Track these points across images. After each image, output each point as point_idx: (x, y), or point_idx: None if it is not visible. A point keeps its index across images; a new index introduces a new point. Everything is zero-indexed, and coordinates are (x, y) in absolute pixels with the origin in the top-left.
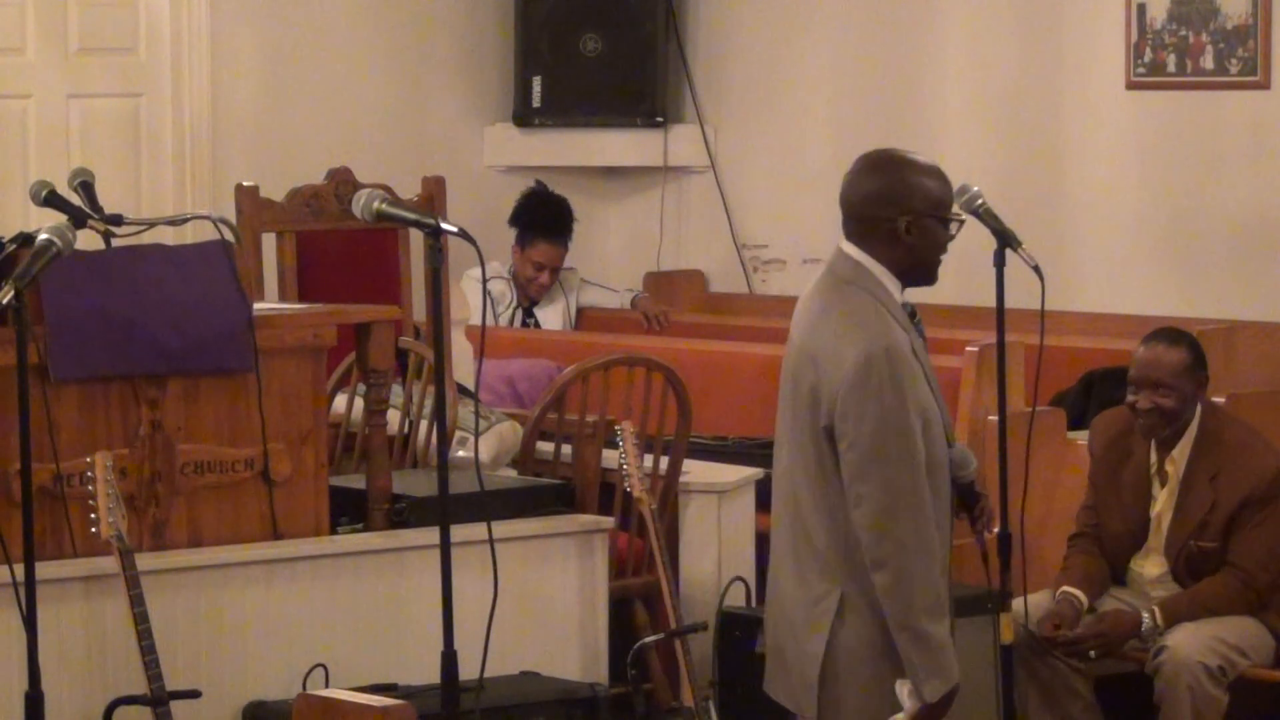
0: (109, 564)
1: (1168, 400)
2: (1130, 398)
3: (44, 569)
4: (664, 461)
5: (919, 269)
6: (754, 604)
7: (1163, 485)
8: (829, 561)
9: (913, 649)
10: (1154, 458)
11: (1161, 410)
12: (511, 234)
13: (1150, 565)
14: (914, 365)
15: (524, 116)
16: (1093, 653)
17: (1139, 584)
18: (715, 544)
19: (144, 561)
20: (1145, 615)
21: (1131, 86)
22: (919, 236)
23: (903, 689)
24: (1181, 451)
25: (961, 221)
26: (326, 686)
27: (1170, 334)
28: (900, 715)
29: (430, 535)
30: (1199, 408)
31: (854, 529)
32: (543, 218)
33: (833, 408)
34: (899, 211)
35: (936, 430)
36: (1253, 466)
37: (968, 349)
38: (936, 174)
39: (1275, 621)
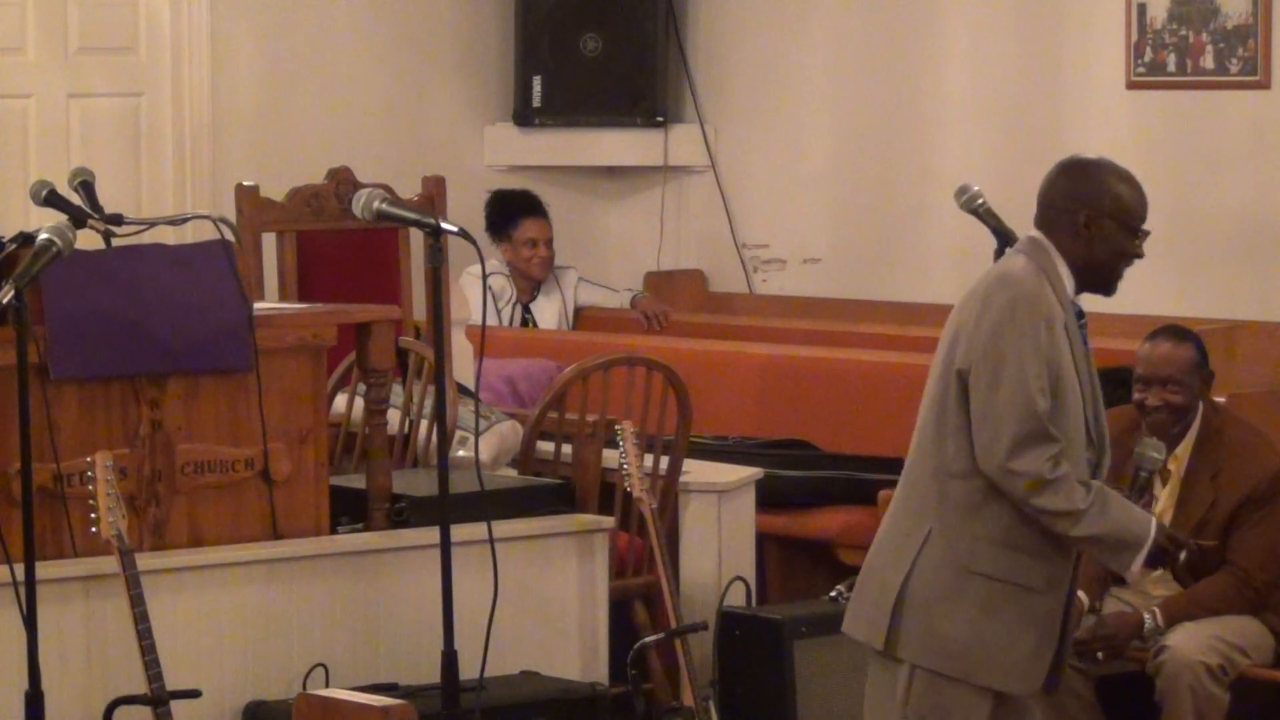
0: (109, 564)
1: (1177, 396)
2: (1138, 395)
3: (44, 569)
4: (664, 461)
5: (1095, 270)
6: (754, 604)
7: (1164, 484)
8: (925, 499)
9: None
10: None
11: (1171, 406)
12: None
13: None
14: (1062, 337)
15: (524, 116)
16: (1100, 654)
17: (1139, 583)
18: (715, 544)
19: (144, 561)
20: (1147, 616)
21: (1131, 86)
22: (1096, 234)
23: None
24: (1184, 450)
25: (1147, 234)
26: (326, 686)
27: (1176, 331)
28: None
29: (430, 535)
30: (1201, 406)
31: (952, 470)
32: (513, 204)
33: (971, 348)
34: (1081, 206)
35: (1075, 413)
36: (1254, 465)
37: None
38: (1131, 183)
39: (1275, 621)
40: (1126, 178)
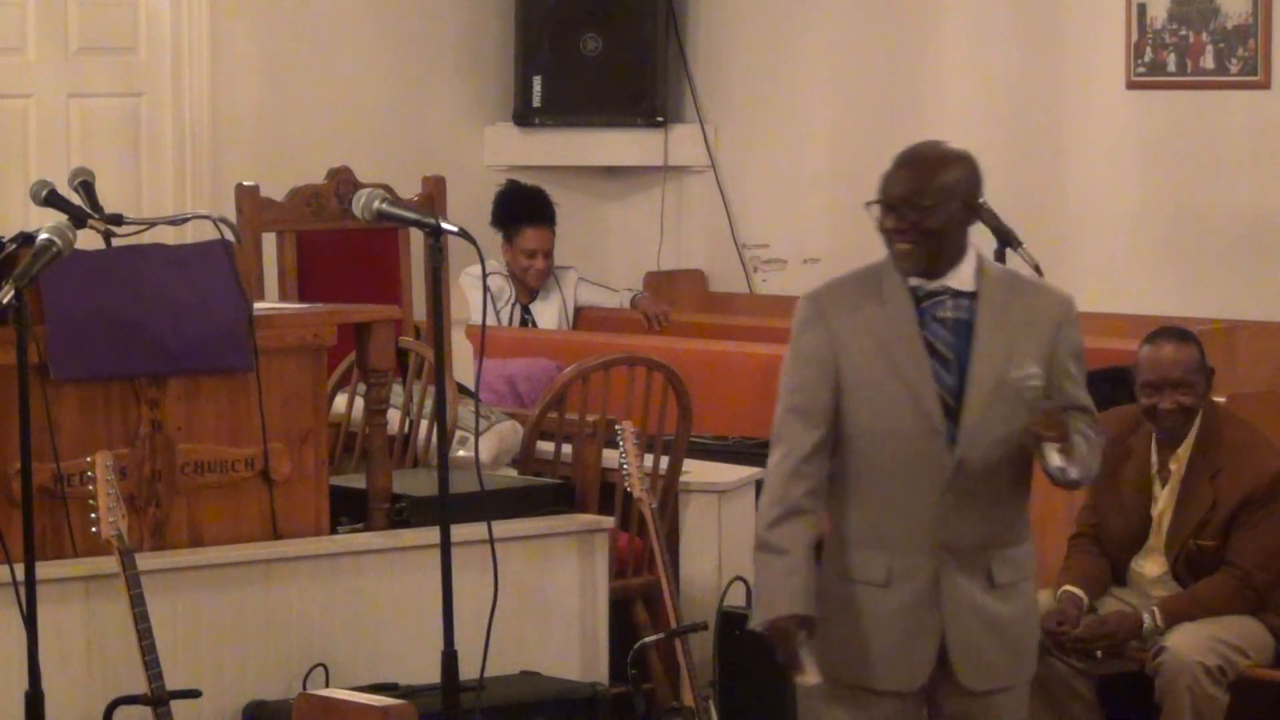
0: (109, 564)
1: (1188, 398)
2: (1148, 401)
3: (44, 569)
4: (664, 461)
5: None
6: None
7: (1164, 485)
8: None
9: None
10: (1155, 457)
11: (1183, 408)
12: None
13: (1150, 564)
14: (819, 333)
15: (524, 116)
16: (1099, 653)
17: (1139, 583)
18: (715, 544)
19: (144, 561)
20: (1146, 616)
21: (1132, 86)
22: (875, 215)
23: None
24: (1184, 450)
25: (890, 210)
26: (326, 686)
27: (1175, 332)
28: None
29: (430, 535)
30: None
31: None
32: (521, 207)
33: None
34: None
35: (871, 395)
36: (1254, 466)
37: None
38: (895, 161)
39: (1275, 621)
40: (896, 157)
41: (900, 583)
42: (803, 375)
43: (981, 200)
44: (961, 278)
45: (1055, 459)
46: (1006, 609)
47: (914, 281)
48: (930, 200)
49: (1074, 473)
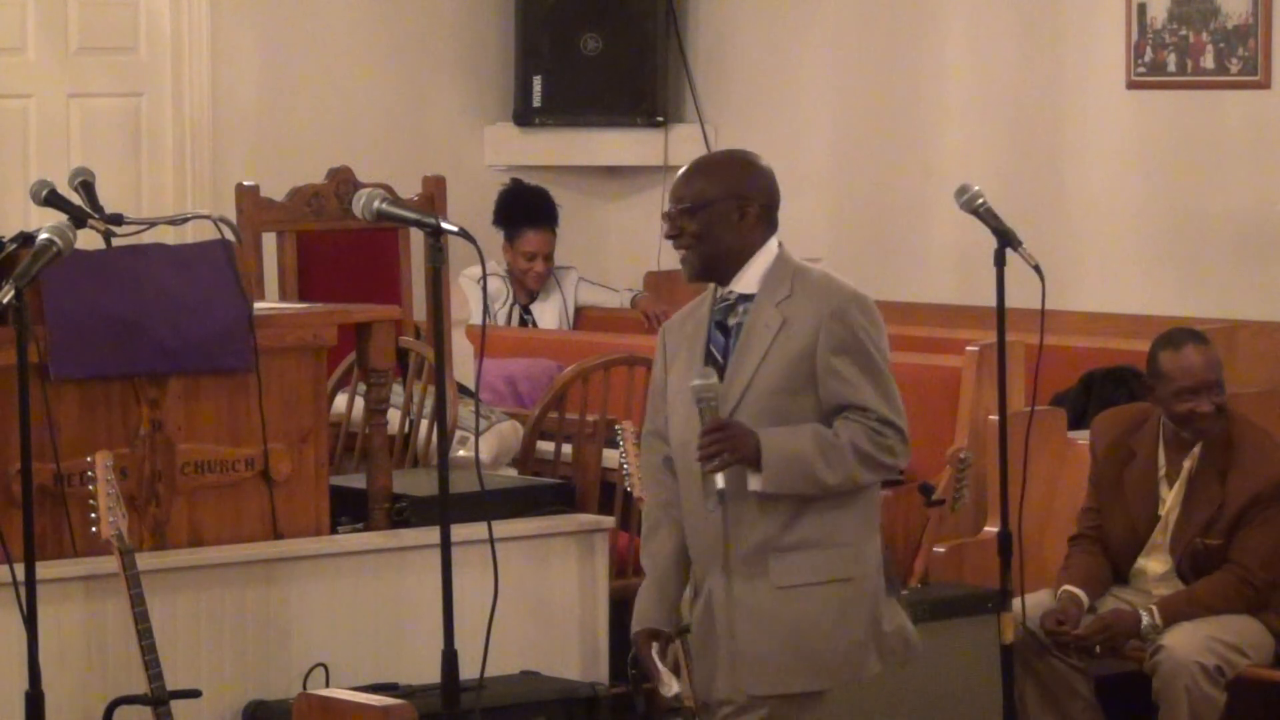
0: (109, 564)
1: (1222, 397)
2: (1185, 407)
3: (44, 569)
4: None
5: None
6: None
7: (1171, 485)
8: None
9: None
10: (1163, 459)
11: (1219, 408)
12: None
13: (1155, 563)
14: (660, 350)
15: (524, 116)
16: (1097, 648)
17: (1142, 582)
18: None
19: (144, 561)
20: (1144, 614)
21: (1132, 86)
22: None
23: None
24: (1195, 449)
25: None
26: (326, 686)
27: (1192, 335)
28: None
29: (430, 535)
30: None
31: None
32: (524, 208)
33: None
34: None
35: (673, 409)
36: (1262, 466)
37: (968, 349)
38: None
39: (1275, 621)
40: None
41: (701, 593)
42: (650, 401)
43: (981, 201)
44: (747, 281)
45: (711, 483)
46: (793, 611)
47: (723, 290)
48: (689, 204)
49: (754, 484)
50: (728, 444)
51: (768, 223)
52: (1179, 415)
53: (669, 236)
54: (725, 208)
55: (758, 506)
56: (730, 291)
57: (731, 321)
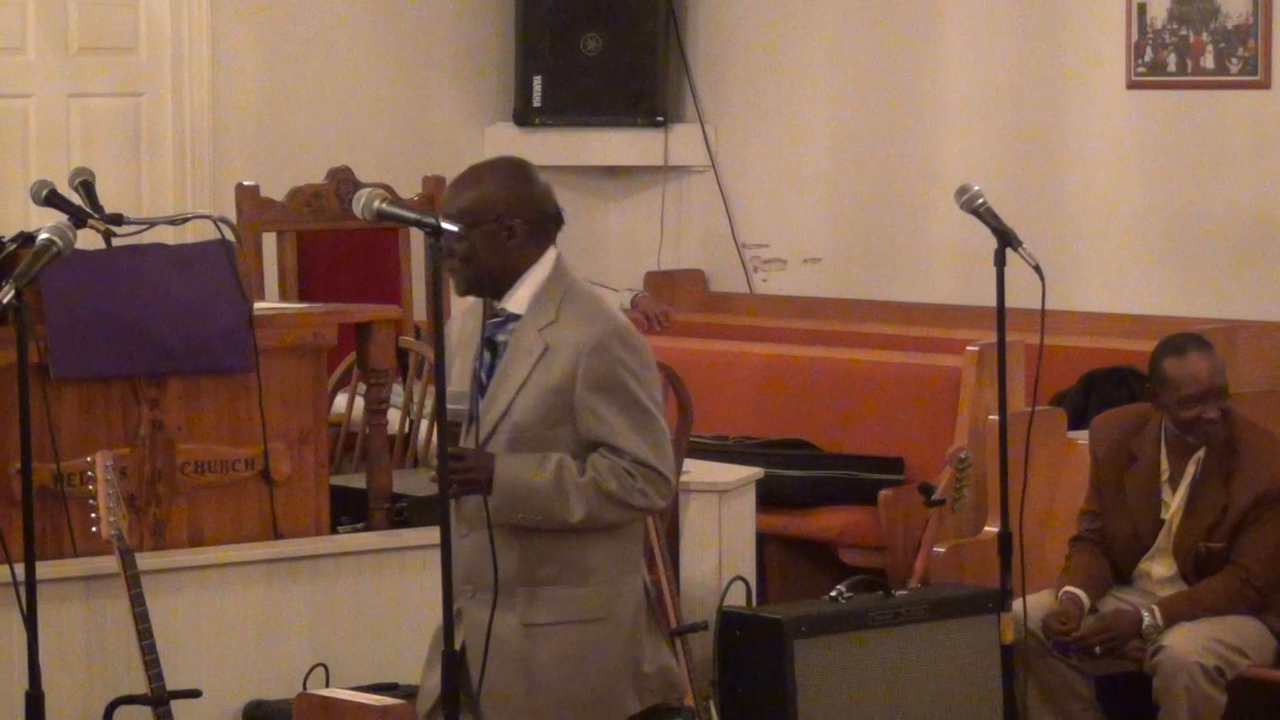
0: (109, 564)
1: (1229, 402)
2: (1190, 414)
3: (44, 569)
4: None
5: None
6: (754, 604)
7: (1175, 489)
8: None
9: None
10: (1165, 462)
11: (1225, 413)
12: None
13: (1159, 566)
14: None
15: (524, 116)
16: (1098, 649)
17: (1147, 584)
18: (715, 544)
19: (144, 561)
20: (1145, 614)
21: (1132, 86)
22: None
23: None
24: (1199, 452)
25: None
26: (326, 686)
27: (1195, 340)
28: None
29: (430, 535)
30: None
31: None
32: None
33: None
34: None
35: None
36: (1266, 468)
37: (968, 349)
38: None
39: (1276, 622)
40: None
41: (459, 621)
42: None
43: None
44: (517, 300)
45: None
46: (540, 650)
47: (496, 304)
48: (456, 224)
49: (490, 512)
50: (462, 473)
51: (539, 238)
52: (1184, 422)
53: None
54: (491, 228)
55: (510, 538)
56: (501, 309)
57: (500, 339)
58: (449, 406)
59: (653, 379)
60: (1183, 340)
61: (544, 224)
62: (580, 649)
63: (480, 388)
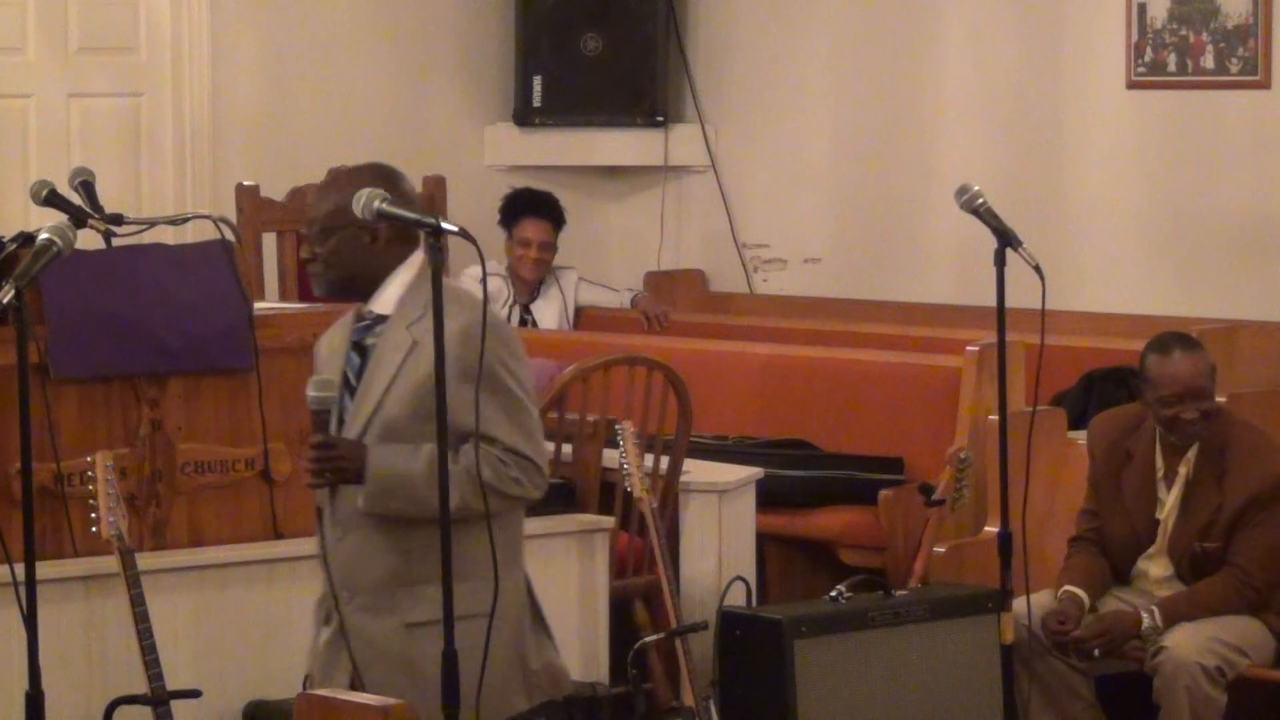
0: (109, 564)
1: (1211, 404)
2: (1168, 413)
3: (44, 569)
4: (664, 461)
5: None
6: (754, 604)
7: (1169, 488)
8: None
9: None
10: (1160, 461)
11: (1206, 415)
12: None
13: (1156, 566)
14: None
15: (524, 116)
16: (1096, 651)
17: (1144, 584)
18: (715, 543)
19: (144, 561)
20: (1145, 615)
21: (1132, 86)
22: None
23: None
24: (1192, 452)
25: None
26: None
27: (1182, 340)
28: None
29: None
30: None
31: None
32: (525, 201)
33: None
34: None
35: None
36: (1259, 468)
37: (968, 349)
38: None
39: (1276, 621)
40: None
41: (331, 623)
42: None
43: (981, 201)
44: (384, 301)
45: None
46: (422, 650)
47: (364, 308)
48: (319, 227)
49: (361, 502)
50: (332, 461)
51: (404, 241)
52: (1164, 420)
53: (301, 257)
54: (354, 233)
55: (386, 537)
56: (369, 311)
57: (368, 342)
58: (311, 395)
59: (522, 367)
60: (1169, 339)
61: (403, 229)
62: (463, 646)
63: (350, 390)
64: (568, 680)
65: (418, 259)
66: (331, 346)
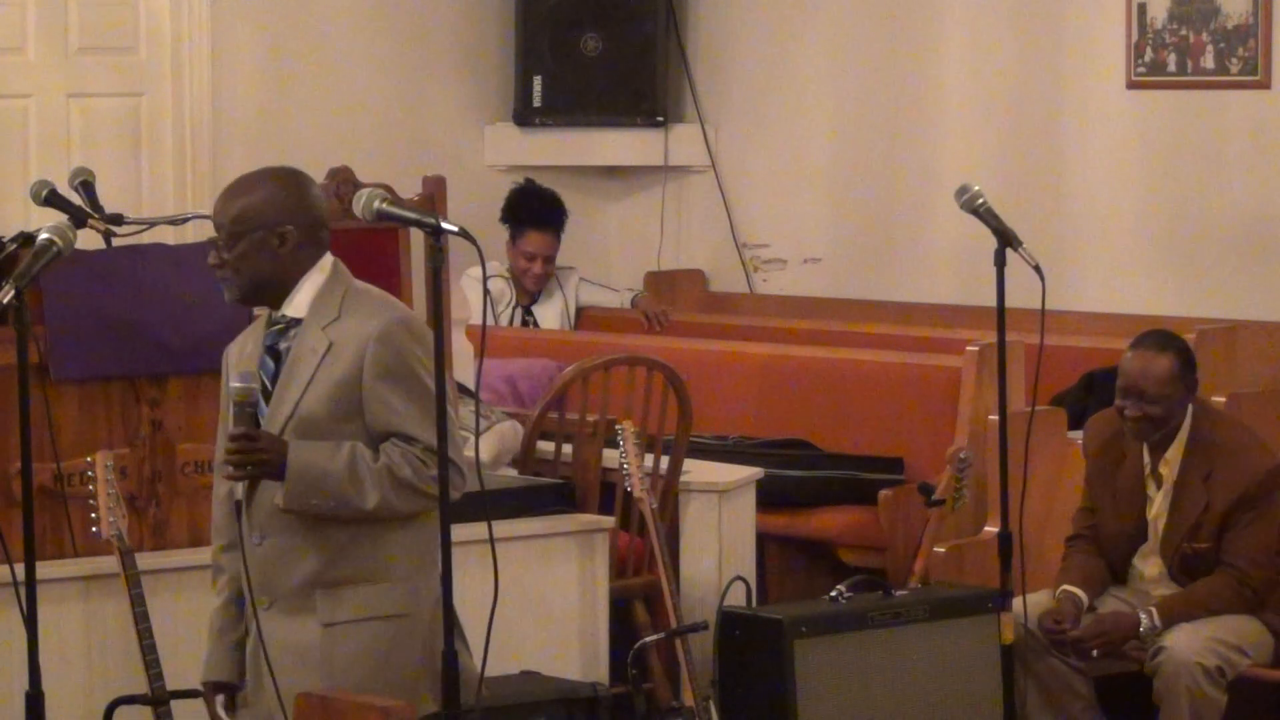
0: (109, 564)
1: (1155, 409)
2: (1118, 403)
3: (44, 569)
4: (664, 461)
5: None
6: (754, 604)
7: (1158, 487)
8: None
9: None
10: (1148, 460)
11: (1150, 418)
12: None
13: (1149, 566)
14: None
15: (524, 116)
16: (1095, 651)
17: (1139, 583)
18: (715, 543)
19: (144, 561)
20: (1143, 615)
21: (1132, 86)
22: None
23: None
24: (1175, 453)
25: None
26: None
27: (1158, 339)
28: None
29: None
30: (1190, 409)
31: None
32: (529, 210)
33: None
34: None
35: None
36: (1245, 466)
37: (968, 349)
38: None
39: (1275, 620)
40: None
41: (251, 629)
42: (220, 428)
43: (981, 201)
44: (297, 305)
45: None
46: (339, 650)
47: (276, 313)
48: (225, 233)
49: (280, 499)
50: (254, 454)
51: (313, 244)
52: (1116, 408)
53: (210, 263)
54: (262, 237)
55: (305, 539)
56: (282, 315)
57: (282, 346)
58: (233, 385)
59: (443, 370)
60: (1147, 336)
61: (316, 231)
62: (379, 646)
63: (265, 394)
64: (473, 683)
65: (328, 262)
66: (243, 352)
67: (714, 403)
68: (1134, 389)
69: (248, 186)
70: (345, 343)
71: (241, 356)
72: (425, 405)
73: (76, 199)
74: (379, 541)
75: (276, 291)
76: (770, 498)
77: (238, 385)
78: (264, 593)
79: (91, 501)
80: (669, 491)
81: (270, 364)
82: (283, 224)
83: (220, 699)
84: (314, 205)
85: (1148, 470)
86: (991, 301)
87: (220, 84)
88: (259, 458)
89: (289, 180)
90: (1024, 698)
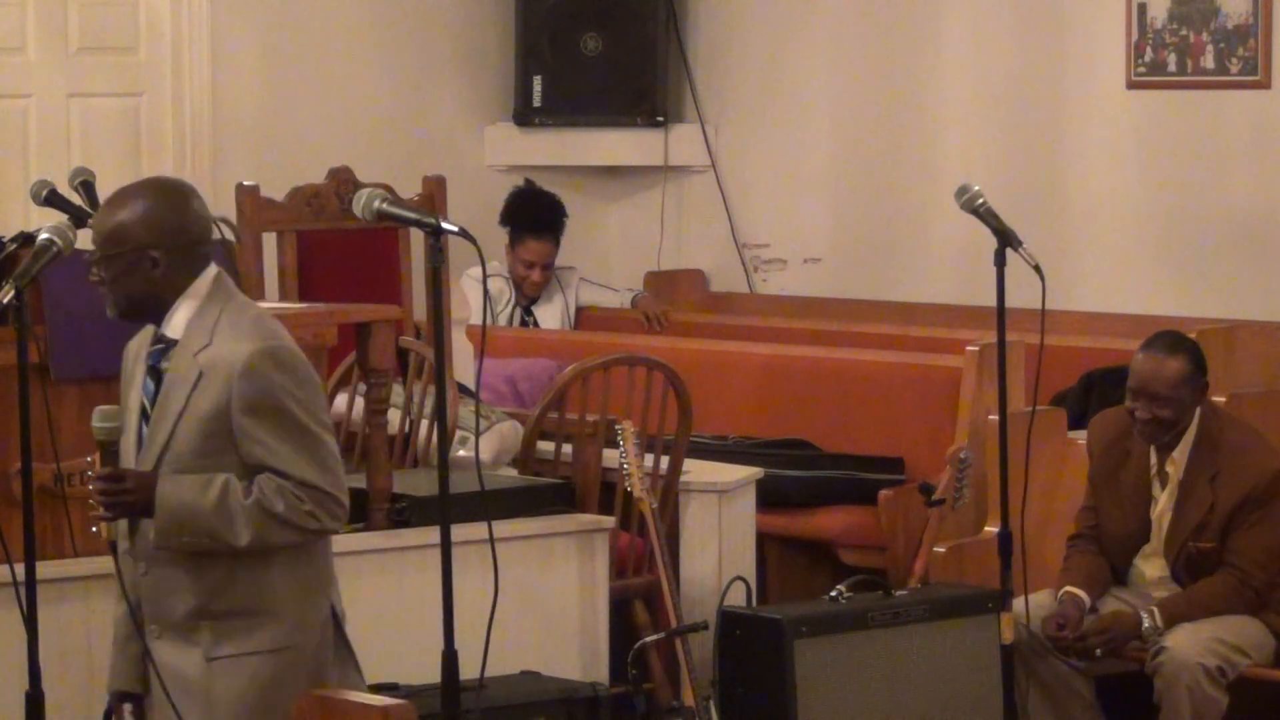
0: (109, 564)
1: (1166, 411)
2: (1129, 404)
3: (44, 569)
4: (664, 461)
5: None
6: (754, 604)
7: (1163, 487)
8: None
9: None
10: (1154, 459)
11: (1160, 420)
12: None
13: (1151, 566)
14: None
15: (524, 116)
16: (1098, 651)
17: (1140, 584)
18: (715, 543)
19: None
20: (1145, 615)
21: (1132, 86)
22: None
23: None
24: (1181, 453)
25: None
26: None
27: (1170, 341)
28: None
29: (430, 535)
30: (1198, 410)
31: None
32: (528, 215)
33: None
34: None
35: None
36: (1251, 467)
37: (968, 349)
38: None
39: (1276, 620)
40: None
41: (134, 641)
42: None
43: (981, 201)
44: (174, 325)
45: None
46: (222, 685)
47: (159, 330)
48: (99, 253)
49: (151, 537)
50: (120, 495)
51: (189, 262)
52: (1126, 410)
53: (90, 280)
54: (134, 258)
55: (188, 571)
56: (162, 334)
57: (163, 366)
58: (96, 425)
59: (312, 396)
60: (1159, 337)
61: (189, 251)
62: (262, 681)
63: (145, 416)
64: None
65: (206, 280)
66: (139, 359)
67: (714, 403)
68: (1145, 391)
69: (121, 203)
70: (215, 372)
71: (136, 365)
72: (297, 439)
73: (76, 199)
74: (260, 574)
75: (155, 309)
76: (770, 498)
77: (100, 425)
78: (154, 620)
79: (91, 501)
80: (669, 491)
81: (151, 386)
82: (154, 245)
83: (128, 707)
84: (190, 223)
85: (1153, 469)
86: (991, 301)
87: (220, 84)
88: (125, 499)
89: (165, 196)
90: (1024, 698)
